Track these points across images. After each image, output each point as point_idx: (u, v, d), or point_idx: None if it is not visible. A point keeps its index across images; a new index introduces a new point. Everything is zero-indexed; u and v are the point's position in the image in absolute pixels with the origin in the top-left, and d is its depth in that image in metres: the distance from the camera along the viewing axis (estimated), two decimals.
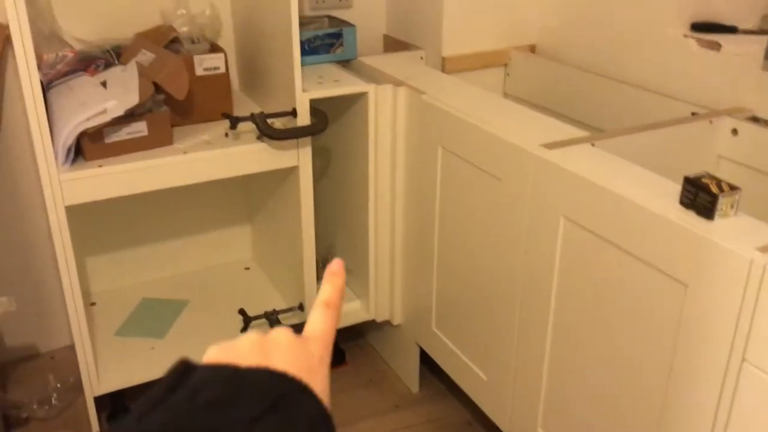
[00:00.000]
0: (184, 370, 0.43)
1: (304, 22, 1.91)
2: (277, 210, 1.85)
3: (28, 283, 1.92)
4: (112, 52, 1.66)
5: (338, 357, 1.98)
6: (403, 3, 2.00)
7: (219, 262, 2.10)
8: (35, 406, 1.74)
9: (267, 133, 1.52)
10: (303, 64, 1.75)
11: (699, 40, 1.54)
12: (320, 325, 0.47)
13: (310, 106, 1.58)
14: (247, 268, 2.09)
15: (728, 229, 0.99)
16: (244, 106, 1.76)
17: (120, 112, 1.42)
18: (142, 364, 1.69)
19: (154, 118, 1.51)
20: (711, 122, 1.43)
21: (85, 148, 1.45)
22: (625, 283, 1.12)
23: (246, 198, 2.07)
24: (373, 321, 1.88)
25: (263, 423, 0.39)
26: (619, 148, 1.30)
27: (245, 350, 0.44)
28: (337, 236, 1.98)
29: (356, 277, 1.89)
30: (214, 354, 0.45)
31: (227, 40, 1.87)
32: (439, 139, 1.54)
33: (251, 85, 1.84)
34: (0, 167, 1.78)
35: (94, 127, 1.41)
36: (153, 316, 1.87)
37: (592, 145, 1.29)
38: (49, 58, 1.51)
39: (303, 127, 1.56)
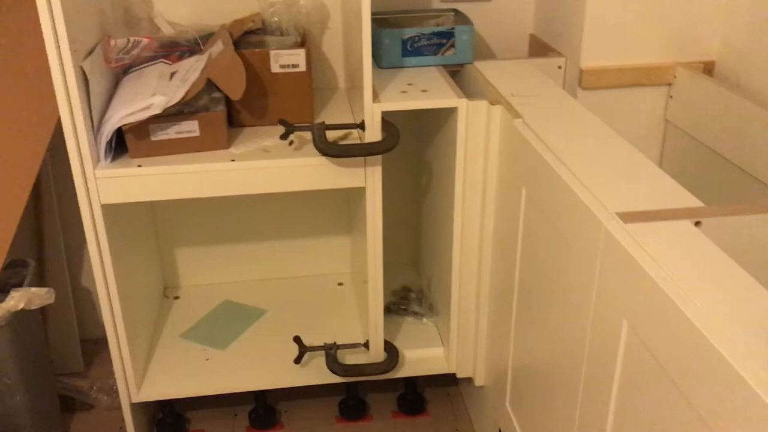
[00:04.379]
0: None
1: (426, 16, 1.65)
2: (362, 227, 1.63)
3: None
4: (199, 40, 1.53)
5: (418, 405, 1.72)
6: None
7: (316, 272, 1.93)
8: (95, 395, 1.71)
9: (319, 147, 1.30)
10: (403, 66, 1.52)
11: None
12: None
13: (383, 119, 1.33)
14: (341, 284, 1.90)
15: None
16: (336, 112, 1.55)
17: (158, 110, 1.29)
18: (190, 376, 1.58)
19: (207, 118, 1.36)
20: None
21: (129, 144, 1.34)
22: None
23: (347, 207, 1.87)
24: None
25: None
26: (745, 234, 0.89)
27: None
28: (434, 268, 1.71)
29: (444, 318, 1.62)
30: None
31: (335, 32, 1.67)
32: (523, 177, 1.21)
33: (351, 88, 1.62)
34: None
35: (130, 124, 1.30)
36: (225, 323, 1.75)
37: (696, 224, 0.89)
38: (119, 43, 1.42)
39: (361, 145, 1.32)
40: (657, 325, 0.79)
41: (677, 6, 1.49)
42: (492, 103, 1.32)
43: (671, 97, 1.55)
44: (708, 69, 1.53)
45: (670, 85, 1.55)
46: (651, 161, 1.08)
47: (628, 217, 0.90)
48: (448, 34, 1.51)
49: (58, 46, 1.20)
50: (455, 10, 1.65)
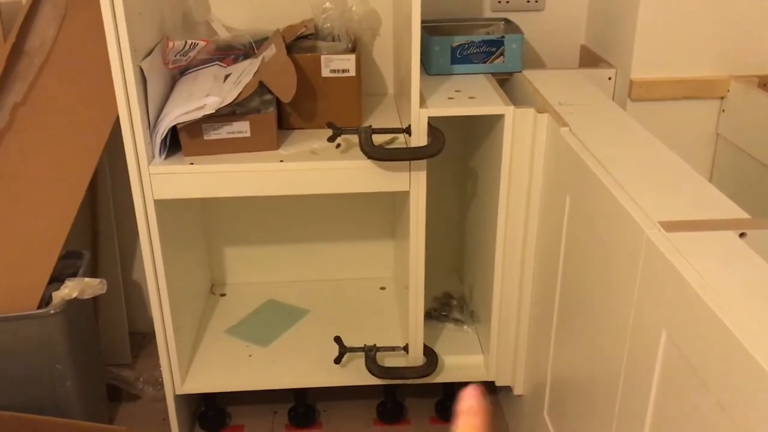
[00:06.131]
0: None
1: (476, 25, 1.67)
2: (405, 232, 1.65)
3: None
4: (253, 44, 1.58)
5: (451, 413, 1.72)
6: (604, 8, 1.65)
7: (358, 275, 1.96)
8: (141, 386, 1.76)
9: (365, 150, 1.32)
10: (452, 73, 1.54)
11: None
12: None
13: (430, 124, 1.35)
14: (383, 288, 1.91)
15: None
16: (384, 117, 1.57)
17: (212, 110, 1.33)
18: (234, 371, 1.61)
19: (258, 119, 1.39)
20: None
21: (183, 142, 1.39)
22: None
23: (392, 211, 1.89)
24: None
25: None
26: None
27: None
28: (476, 275, 1.72)
29: (484, 326, 1.62)
30: None
31: (386, 39, 1.69)
32: (568, 185, 1.21)
33: (399, 94, 1.64)
34: None
35: (184, 123, 1.34)
36: (268, 321, 1.79)
37: (741, 235, 0.88)
38: (176, 45, 1.47)
39: (406, 149, 1.34)
40: (697, 336, 0.78)
41: (732, 18, 1.47)
42: (539, 111, 1.32)
43: (724, 110, 1.53)
44: (763, 83, 1.51)
45: (722, 98, 1.53)
46: (698, 173, 1.07)
47: (671, 226, 0.90)
48: (498, 43, 1.52)
49: (119, 47, 1.25)
50: (506, 20, 1.66)
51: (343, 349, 1.58)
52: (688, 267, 0.82)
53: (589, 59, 1.72)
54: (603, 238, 1.05)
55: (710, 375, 0.76)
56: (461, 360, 1.62)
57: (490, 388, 1.68)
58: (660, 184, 1.03)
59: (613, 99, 1.56)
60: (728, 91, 1.51)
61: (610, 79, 1.58)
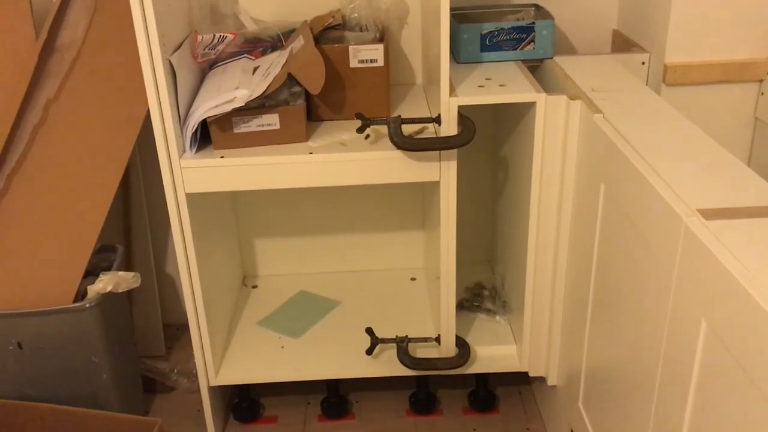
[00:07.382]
0: None
1: (506, 11, 1.64)
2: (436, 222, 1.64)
3: None
4: (281, 36, 1.57)
5: (489, 403, 1.71)
6: None
7: (389, 266, 1.95)
8: (175, 378, 1.78)
9: (394, 140, 1.31)
10: (482, 61, 1.52)
11: None
12: None
13: (459, 113, 1.33)
14: (414, 279, 1.91)
15: None
16: (413, 107, 1.56)
17: (241, 103, 1.33)
18: (267, 362, 1.62)
19: (287, 111, 1.39)
20: None
21: (213, 136, 1.39)
22: None
23: (422, 201, 1.88)
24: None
25: None
26: None
27: None
28: (508, 265, 1.70)
29: (517, 316, 1.60)
30: None
31: (414, 29, 1.67)
32: (602, 173, 1.19)
33: (428, 83, 1.63)
34: None
35: (214, 116, 1.34)
36: (300, 313, 1.79)
37: None
38: (205, 38, 1.47)
39: (436, 139, 1.32)
40: (738, 325, 0.76)
41: None
42: (571, 98, 1.30)
43: (762, 93, 1.49)
44: None
45: (761, 81, 1.48)
46: (737, 158, 1.04)
47: (710, 214, 0.87)
48: (528, 29, 1.50)
49: (149, 41, 1.25)
50: (536, 5, 1.64)
51: (375, 340, 1.58)
52: (728, 256, 0.79)
53: (622, 44, 1.68)
54: (639, 227, 1.03)
55: (753, 366, 0.74)
56: (494, 350, 1.61)
57: (523, 378, 1.67)
58: (698, 171, 1.01)
59: (647, 84, 1.53)
60: (767, 74, 1.47)
61: (643, 63, 1.55)
